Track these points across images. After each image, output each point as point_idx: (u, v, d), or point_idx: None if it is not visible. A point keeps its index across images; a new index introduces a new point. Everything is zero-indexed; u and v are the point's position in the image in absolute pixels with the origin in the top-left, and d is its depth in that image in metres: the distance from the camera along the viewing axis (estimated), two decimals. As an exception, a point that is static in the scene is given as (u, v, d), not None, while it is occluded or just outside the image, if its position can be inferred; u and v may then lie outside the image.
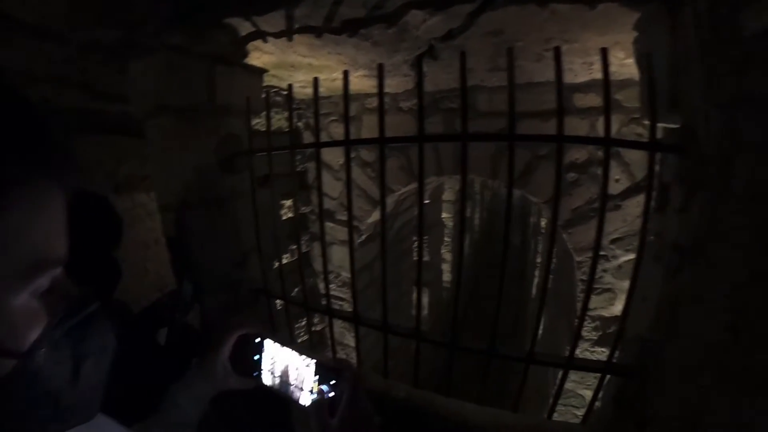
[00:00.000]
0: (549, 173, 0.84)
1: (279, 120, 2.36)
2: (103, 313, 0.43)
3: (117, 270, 0.94)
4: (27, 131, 0.33)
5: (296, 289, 2.74)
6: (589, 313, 2.36)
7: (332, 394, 0.69)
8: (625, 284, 0.84)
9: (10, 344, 0.33)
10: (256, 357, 0.81)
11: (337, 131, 2.98)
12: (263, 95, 1.30)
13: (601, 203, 0.84)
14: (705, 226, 0.60)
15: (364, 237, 3.33)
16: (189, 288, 1.14)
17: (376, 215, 3.12)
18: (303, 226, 3.26)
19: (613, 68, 1.72)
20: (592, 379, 0.92)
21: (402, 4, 1.09)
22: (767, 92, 0.43)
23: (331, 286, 3.56)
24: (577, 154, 2.19)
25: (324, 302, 1.26)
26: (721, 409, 0.49)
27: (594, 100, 2.09)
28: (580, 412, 1.00)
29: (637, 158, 2.03)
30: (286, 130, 1.20)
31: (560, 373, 0.97)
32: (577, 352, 2.52)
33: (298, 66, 1.62)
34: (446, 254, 6.20)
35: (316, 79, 1.09)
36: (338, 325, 3.25)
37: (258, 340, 0.82)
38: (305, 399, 0.73)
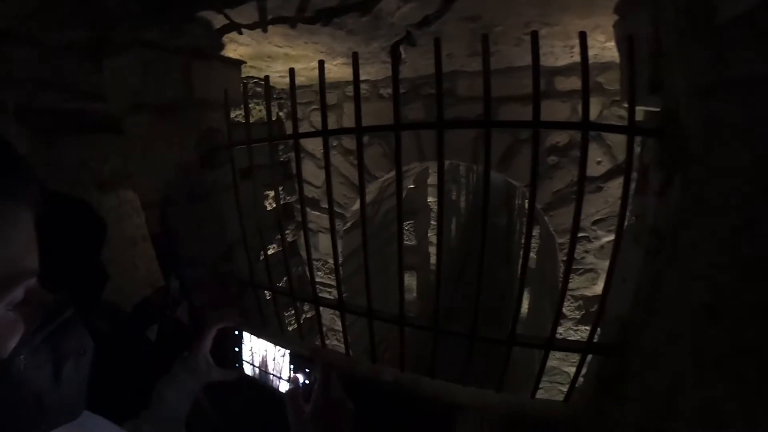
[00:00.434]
0: (530, 157, 0.83)
1: (260, 111, 2.31)
2: (78, 318, 0.45)
3: (103, 272, 0.93)
4: None
5: (284, 279, 2.74)
6: (572, 293, 2.40)
7: (306, 381, 0.70)
8: (607, 264, 0.85)
9: None
10: (236, 349, 0.83)
11: (318, 119, 2.92)
12: (242, 87, 1.26)
13: (579, 187, 0.84)
14: (683, 209, 0.61)
15: (349, 224, 3.33)
16: (176, 284, 1.13)
17: (359, 203, 3.11)
18: (289, 215, 3.23)
19: (594, 51, 1.73)
20: (576, 357, 0.94)
21: (375, -9, 1.06)
22: (744, 77, 0.43)
23: (319, 273, 3.58)
24: (558, 138, 2.20)
25: (310, 291, 1.25)
26: (694, 389, 0.50)
27: (575, 83, 2.09)
28: (566, 389, 1.02)
29: (618, 140, 2.04)
30: (267, 120, 1.17)
31: (542, 354, 0.99)
32: (562, 330, 2.58)
33: (276, 56, 1.58)
34: (433, 238, 6.24)
35: (292, 71, 1.06)
36: (328, 311, 3.26)
37: (237, 332, 0.83)
38: (284, 387, 0.74)
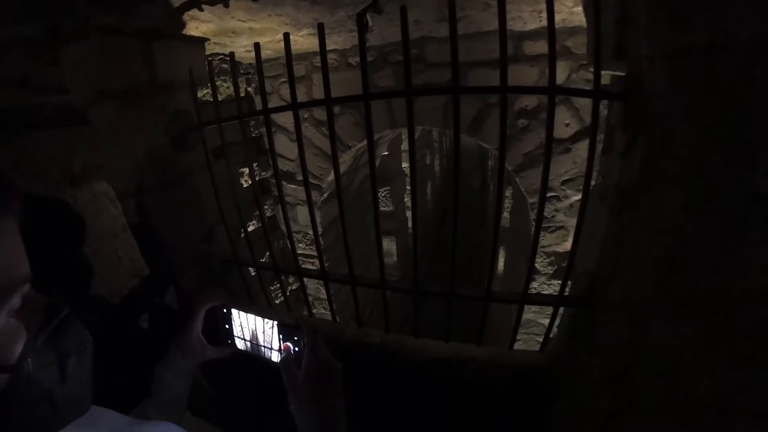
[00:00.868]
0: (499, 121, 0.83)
1: (228, 88, 2.21)
2: (75, 315, 0.46)
3: (87, 267, 0.90)
4: None
5: (267, 254, 2.73)
6: (544, 249, 2.48)
7: (296, 349, 0.73)
8: (576, 222, 0.88)
9: (0, 361, 0.37)
10: (227, 326, 0.84)
11: (288, 92, 2.85)
12: (207, 65, 1.20)
13: (546, 149, 0.85)
14: (646, 169, 0.62)
15: (326, 195, 3.30)
16: (162, 271, 1.11)
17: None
18: (265, 191, 3.18)
19: (562, 16, 1.71)
20: (550, 310, 0.98)
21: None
22: (708, 45, 0.43)
23: (300, 245, 3.57)
24: (527, 101, 2.20)
25: (294, 263, 1.25)
26: (657, 336, 0.54)
27: (543, 47, 2.07)
28: (542, 339, 1.08)
29: (586, 103, 2.06)
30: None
31: (517, 308, 1.03)
32: (536, 285, 2.67)
33: (240, 31, 1.50)
34: (409, 202, 6.26)
35: (257, 46, 1.02)
36: (313, 282, 3.29)
37: (225, 310, 0.84)
38: (276, 357, 0.77)
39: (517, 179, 2.41)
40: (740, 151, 0.38)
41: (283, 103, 2.87)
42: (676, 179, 0.52)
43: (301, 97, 1.70)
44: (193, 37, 1.39)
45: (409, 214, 6.14)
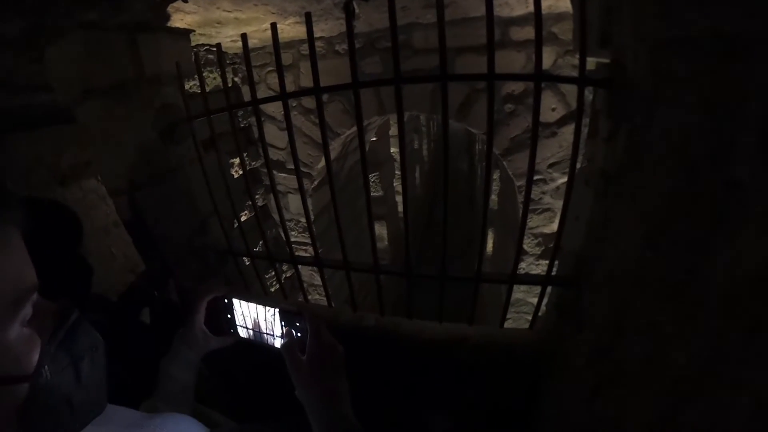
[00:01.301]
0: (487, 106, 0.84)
1: (215, 79, 2.17)
2: (83, 318, 0.46)
3: (86, 266, 0.90)
4: None
5: (260, 243, 2.72)
6: (532, 231, 2.51)
7: (299, 334, 0.74)
8: (562, 204, 0.90)
9: (19, 371, 0.37)
10: (229, 316, 0.85)
11: (275, 81, 2.78)
12: (193, 57, 1.18)
13: (533, 134, 0.86)
14: (629, 154, 0.64)
15: (316, 182, 3.29)
16: (159, 265, 1.11)
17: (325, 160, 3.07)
18: (256, 180, 3.15)
19: (548, 2, 1.70)
20: (538, 289, 1.01)
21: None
22: (688, 37, 0.44)
23: (293, 233, 3.57)
24: (514, 87, 2.20)
25: (288, 251, 1.25)
26: (640, 312, 0.56)
27: (530, 33, 2.06)
28: (531, 318, 1.11)
29: (571, 88, 2.03)
30: (223, 87, 1.11)
31: (507, 288, 1.06)
32: (524, 265, 2.71)
33: (225, 21, 1.47)
34: (399, 187, 6.26)
35: (244, 36, 1.00)
36: (307, 268, 3.30)
37: (226, 300, 0.85)
38: (279, 343, 0.78)
39: (504, 163, 2.43)
40: (717, 140, 0.40)
41: (270, 92, 2.84)
42: (656, 165, 0.54)
43: (289, 85, 1.67)
44: (178, 29, 1.35)
45: (398, 198, 6.15)
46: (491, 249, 4.46)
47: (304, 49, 2.61)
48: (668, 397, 0.46)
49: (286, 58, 2.70)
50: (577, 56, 0.76)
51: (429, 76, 0.91)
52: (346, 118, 2.76)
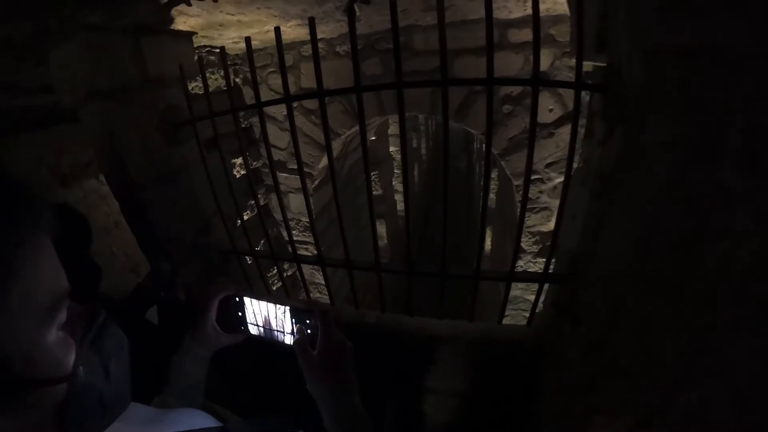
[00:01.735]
0: (485, 107, 0.86)
1: (217, 80, 2.18)
2: (110, 319, 0.49)
3: (96, 267, 0.91)
4: (9, 198, 0.36)
5: (262, 242, 2.73)
6: (530, 229, 2.53)
7: (309, 331, 0.76)
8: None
9: (58, 372, 0.39)
10: (240, 314, 0.87)
11: (277, 82, 2.82)
12: (196, 58, 1.19)
13: (530, 137, 0.88)
14: (623, 156, 0.66)
15: (317, 182, 3.31)
16: (166, 265, 1.12)
17: (325, 160, 3.08)
18: (258, 180, 3.17)
19: (546, 5, 1.72)
20: (535, 286, 1.03)
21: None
22: (680, 46, 0.46)
23: (294, 232, 3.58)
24: (512, 88, 2.22)
25: (290, 250, 1.27)
26: (633, 308, 0.58)
27: (528, 35, 2.07)
28: (528, 314, 1.13)
29: (569, 90, 2.07)
30: (225, 88, 1.12)
31: (505, 285, 1.08)
32: (522, 263, 2.73)
33: (228, 24, 1.48)
34: (398, 186, 6.28)
35: (248, 40, 1.01)
36: (308, 267, 3.32)
37: (237, 299, 0.86)
38: (289, 340, 0.80)
39: (502, 163, 2.45)
40: (706, 146, 0.42)
41: (272, 92, 2.85)
42: (649, 167, 0.56)
43: (290, 86, 1.68)
44: (181, 31, 1.36)
45: (397, 197, 6.17)
46: (490, 247, 4.49)
47: (305, 50, 2.62)
48: (658, 388, 0.48)
49: (287, 59, 2.71)
50: (574, 59, 0.77)
51: (430, 81, 0.93)
52: (347, 119, 2.78)
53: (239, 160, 2.69)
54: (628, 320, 0.59)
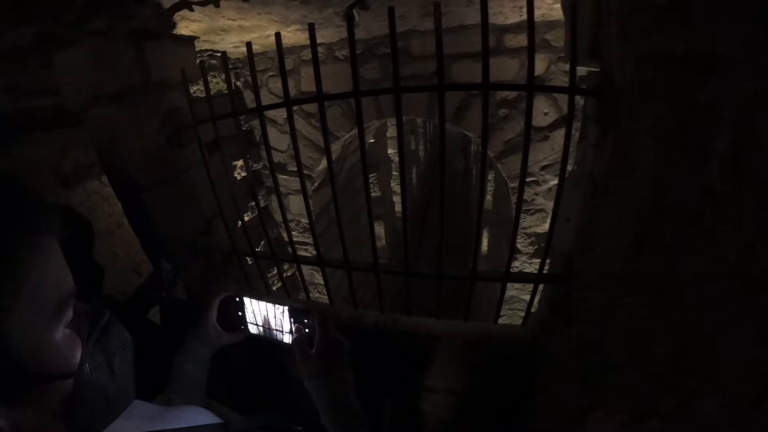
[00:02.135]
0: (482, 110, 0.87)
1: (218, 83, 2.18)
2: (114, 318, 0.50)
3: (98, 267, 0.92)
4: (19, 203, 0.37)
5: (262, 242, 2.73)
6: (525, 230, 2.54)
7: (307, 330, 0.77)
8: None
9: (66, 368, 0.41)
10: (240, 314, 0.87)
11: (277, 86, 2.82)
12: (198, 63, 1.19)
13: (525, 140, 0.89)
14: (615, 160, 0.66)
15: (316, 183, 3.31)
16: (168, 266, 1.13)
17: (325, 162, 3.08)
18: (258, 182, 3.17)
19: (542, 11, 1.72)
20: (530, 286, 1.03)
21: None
22: (669, 52, 0.47)
23: (293, 233, 3.58)
24: (508, 92, 2.23)
25: (290, 251, 1.27)
26: (626, 308, 0.59)
27: (524, 40, 2.06)
28: (524, 314, 1.13)
29: (563, 94, 2.07)
30: (226, 92, 1.12)
31: (501, 285, 1.08)
32: (518, 264, 2.73)
33: (229, 29, 1.49)
34: (396, 187, 6.29)
35: (249, 45, 1.02)
36: (307, 268, 3.31)
37: (237, 299, 0.87)
38: (287, 339, 0.81)
39: (498, 165, 2.45)
40: (695, 151, 0.42)
41: (272, 96, 2.85)
42: (640, 171, 0.56)
43: (290, 89, 1.68)
44: (183, 36, 1.36)
45: (395, 198, 6.18)
46: (486, 248, 4.50)
47: (305, 54, 2.63)
48: (649, 387, 0.48)
49: (288, 63, 2.71)
50: (569, 64, 0.78)
51: (427, 86, 0.93)
52: (346, 122, 2.78)
53: (240, 163, 2.69)
54: (619, 320, 0.60)
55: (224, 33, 1.56)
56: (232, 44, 1.86)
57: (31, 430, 0.38)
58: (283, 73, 0.99)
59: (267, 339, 0.86)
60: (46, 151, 0.94)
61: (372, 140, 4.91)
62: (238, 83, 2.82)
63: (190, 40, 1.42)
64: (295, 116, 2.97)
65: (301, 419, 0.74)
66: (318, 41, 2.40)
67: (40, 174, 0.92)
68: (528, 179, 2.30)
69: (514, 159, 2.34)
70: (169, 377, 0.78)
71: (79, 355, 0.42)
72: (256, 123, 2.99)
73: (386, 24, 0.83)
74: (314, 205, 3.39)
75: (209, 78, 2.15)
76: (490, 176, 4.41)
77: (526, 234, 2.55)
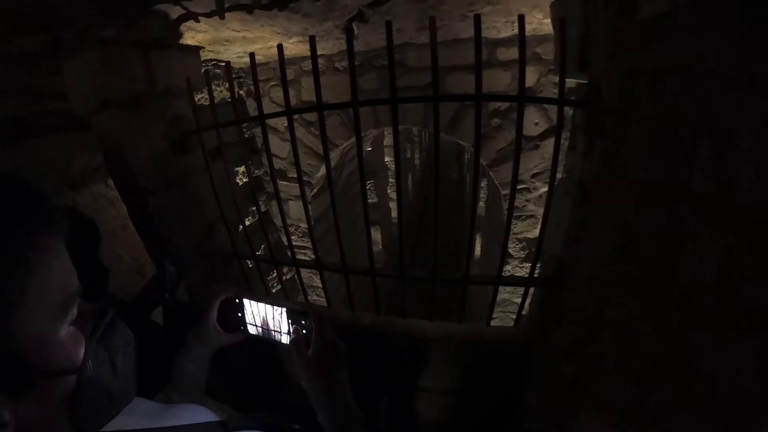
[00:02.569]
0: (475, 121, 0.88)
1: (222, 92, 2.19)
2: (118, 317, 0.50)
3: (103, 268, 0.91)
4: (27, 204, 0.38)
5: (263, 246, 2.73)
6: (517, 236, 2.55)
7: (304, 331, 0.77)
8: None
9: (69, 365, 0.40)
10: (239, 314, 0.87)
11: (279, 95, 2.82)
12: (203, 72, 1.19)
13: (516, 149, 0.90)
14: (603, 168, 0.67)
15: (315, 190, 3.30)
16: (171, 268, 1.12)
17: (324, 169, 3.09)
18: (259, 188, 3.17)
19: (533, 26, 1.74)
20: (522, 290, 1.03)
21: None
22: (654, 68, 0.48)
23: (293, 237, 3.57)
24: (500, 103, 2.24)
25: (289, 254, 1.27)
26: (614, 310, 0.59)
27: (516, 53, 2.08)
28: (515, 316, 1.13)
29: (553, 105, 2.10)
30: (230, 100, 1.13)
31: (493, 289, 1.08)
32: (510, 268, 2.72)
33: (233, 40, 1.49)
34: (392, 194, 6.28)
35: (252, 56, 1.02)
36: (306, 271, 3.31)
37: (237, 300, 0.87)
38: (285, 340, 0.80)
39: (491, 173, 2.46)
40: (679, 158, 0.43)
41: (274, 105, 2.86)
42: (626, 177, 0.57)
43: (291, 99, 1.69)
44: (189, 46, 1.37)
45: (391, 205, 6.18)
46: (479, 253, 4.50)
47: (306, 65, 2.64)
48: (636, 385, 0.49)
49: (289, 73, 2.72)
50: (558, 76, 0.79)
51: (422, 97, 0.94)
52: (344, 130, 2.79)
53: (242, 169, 2.69)
54: (608, 322, 0.60)
55: (229, 43, 1.56)
56: (236, 54, 1.86)
57: (34, 424, 0.37)
58: (284, 83, 1.00)
59: (266, 340, 0.85)
60: (54, 155, 0.94)
61: (369, 148, 4.92)
62: (241, 92, 2.83)
63: (196, 50, 1.42)
64: (296, 125, 2.97)
65: (298, 418, 0.73)
66: (318, 53, 2.42)
67: (47, 176, 0.91)
68: (519, 186, 2.31)
69: (506, 167, 2.36)
70: (169, 376, 0.78)
71: (82, 352, 0.42)
72: (258, 131, 2.99)
73: (384, 37, 0.84)
74: (313, 210, 3.39)
75: (213, 87, 2.15)
76: (483, 183, 4.43)
77: (517, 239, 2.56)
